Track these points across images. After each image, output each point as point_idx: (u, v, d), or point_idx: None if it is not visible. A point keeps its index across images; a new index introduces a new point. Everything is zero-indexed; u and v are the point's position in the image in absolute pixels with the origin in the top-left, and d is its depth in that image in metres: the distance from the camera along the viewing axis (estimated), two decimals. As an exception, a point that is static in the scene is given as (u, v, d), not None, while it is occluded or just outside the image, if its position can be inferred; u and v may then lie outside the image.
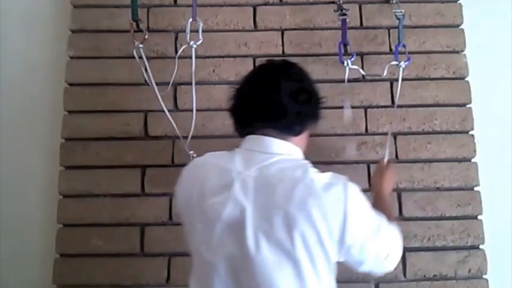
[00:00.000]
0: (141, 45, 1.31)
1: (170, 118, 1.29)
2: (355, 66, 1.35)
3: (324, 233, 0.85)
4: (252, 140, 0.96)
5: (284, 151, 0.94)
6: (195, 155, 1.25)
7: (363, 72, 1.38)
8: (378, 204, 1.07)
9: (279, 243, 0.84)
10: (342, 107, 1.35)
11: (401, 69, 1.33)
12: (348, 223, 0.86)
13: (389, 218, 0.99)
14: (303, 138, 0.99)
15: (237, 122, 1.00)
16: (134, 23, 1.34)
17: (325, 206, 0.85)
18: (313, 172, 0.90)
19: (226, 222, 0.87)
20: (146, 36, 1.33)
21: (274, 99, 0.93)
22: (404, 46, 1.36)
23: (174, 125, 1.29)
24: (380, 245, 0.93)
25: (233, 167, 0.91)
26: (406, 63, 1.34)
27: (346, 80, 1.35)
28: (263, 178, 0.89)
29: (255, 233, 0.86)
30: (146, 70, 1.30)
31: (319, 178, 0.88)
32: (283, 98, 0.93)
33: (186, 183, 0.98)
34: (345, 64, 1.34)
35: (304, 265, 0.85)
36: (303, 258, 0.85)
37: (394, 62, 1.34)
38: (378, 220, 0.94)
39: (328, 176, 0.90)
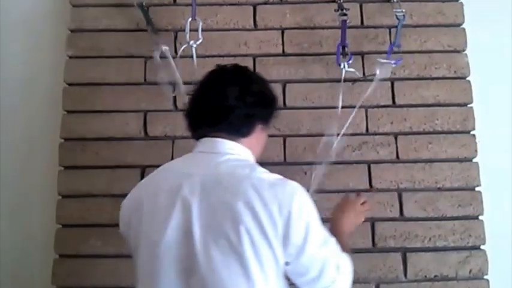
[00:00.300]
0: (166, 48, 1.34)
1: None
2: (351, 69, 1.35)
3: (268, 229, 0.84)
4: (203, 142, 0.98)
5: (233, 151, 0.96)
6: None
7: (358, 75, 1.37)
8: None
9: (226, 240, 0.84)
10: (341, 107, 1.35)
11: (390, 68, 1.34)
12: (293, 219, 0.85)
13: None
14: (254, 139, 1.00)
15: (190, 125, 1.02)
16: (150, 28, 1.38)
17: (270, 201, 0.85)
18: (261, 171, 0.92)
19: (175, 225, 0.88)
20: (169, 38, 1.39)
21: (221, 103, 0.96)
22: (398, 46, 1.36)
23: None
24: (327, 258, 0.90)
25: (183, 170, 0.94)
26: (399, 62, 1.35)
27: (342, 81, 1.35)
28: (211, 177, 0.90)
29: (202, 232, 0.86)
30: (145, 69, 1.30)
31: (267, 177, 0.90)
32: (229, 101, 0.96)
33: (137, 191, 1.00)
34: (342, 66, 1.34)
35: (251, 264, 0.84)
36: (250, 255, 0.84)
37: (385, 60, 1.34)
38: (326, 234, 0.92)
39: (276, 176, 0.91)
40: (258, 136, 1.02)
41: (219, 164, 0.93)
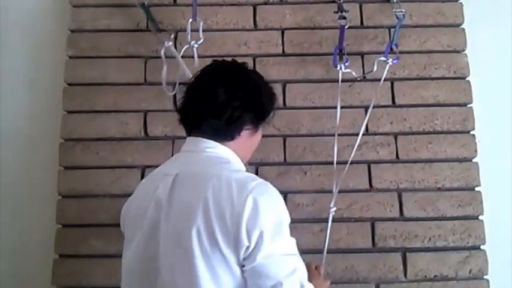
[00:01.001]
0: (170, 43, 1.34)
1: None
2: (348, 70, 1.35)
3: (219, 231, 0.80)
4: (188, 141, 0.98)
5: (213, 150, 0.94)
6: None
7: (355, 75, 1.37)
8: None
9: (182, 243, 0.82)
10: (341, 107, 1.35)
11: (387, 66, 1.34)
12: (244, 220, 0.80)
13: None
14: (240, 142, 0.97)
15: (180, 122, 1.00)
16: (154, 26, 1.38)
17: (225, 202, 0.81)
18: (233, 171, 0.89)
19: (148, 225, 0.88)
20: (172, 36, 1.38)
21: (206, 105, 0.94)
22: (396, 45, 1.36)
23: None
24: (289, 267, 0.83)
25: (164, 170, 0.94)
26: (395, 61, 1.35)
27: (339, 82, 1.35)
28: (183, 175, 0.88)
29: (167, 234, 0.85)
30: (145, 69, 1.30)
31: (235, 176, 0.86)
32: (214, 104, 0.93)
33: (133, 194, 1.01)
34: (339, 68, 1.34)
35: (200, 270, 0.80)
36: (199, 261, 0.80)
37: (382, 58, 1.35)
38: (292, 242, 0.87)
39: (245, 175, 0.88)
40: (246, 139, 0.98)
41: (194, 163, 0.92)
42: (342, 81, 1.36)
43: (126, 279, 0.93)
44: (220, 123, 0.93)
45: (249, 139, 0.99)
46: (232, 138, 0.95)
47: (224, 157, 0.94)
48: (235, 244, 0.81)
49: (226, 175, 0.86)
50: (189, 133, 0.98)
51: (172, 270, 0.84)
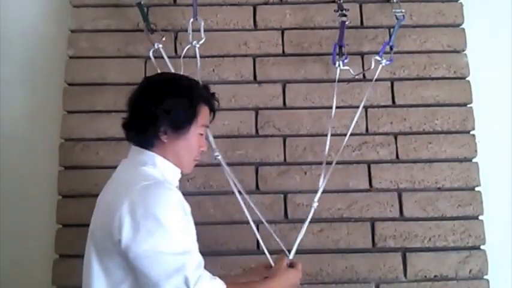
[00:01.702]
0: (160, 46, 1.34)
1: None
2: (346, 67, 1.35)
3: (107, 235, 0.88)
4: (130, 149, 1.04)
5: (141, 158, 0.99)
6: (219, 157, 1.25)
7: (353, 73, 1.37)
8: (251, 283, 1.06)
9: (90, 242, 0.94)
10: (341, 107, 1.35)
11: (380, 66, 1.35)
12: (124, 221, 0.86)
13: None
14: (168, 148, 0.99)
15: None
16: (146, 26, 1.37)
17: (112, 207, 0.89)
18: (137, 175, 0.93)
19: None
20: (164, 38, 1.37)
21: (127, 117, 1.02)
22: (391, 47, 1.36)
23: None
24: (171, 265, 0.85)
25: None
26: (388, 62, 1.35)
27: (336, 80, 1.35)
28: (109, 182, 1.00)
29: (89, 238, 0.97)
30: (145, 69, 1.30)
31: (133, 181, 0.91)
32: (129, 116, 1.01)
33: None
34: (337, 65, 1.34)
35: (94, 266, 0.91)
36: (93, 257, 0.92)
37: (377, 57, 1.35)
38: (179, 241, 0.88)
39: (140, 180, 0.91)
40: (174, 144, 0.99)
41: (118, 170, 1.01)
42: (340, 81, 1.36)
43: None
44: (135, 135, 1.01)
45: (177, 142, 0.99)
46: (153, 146, 0.99)
47: (146, 162, 0.98)
48: (111, 239, 0.87)
49: (126, 180, 0.94)
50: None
51: (90, 276, 0.94)
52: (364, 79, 1.42)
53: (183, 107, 0.99)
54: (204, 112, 1.03)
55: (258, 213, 1.23)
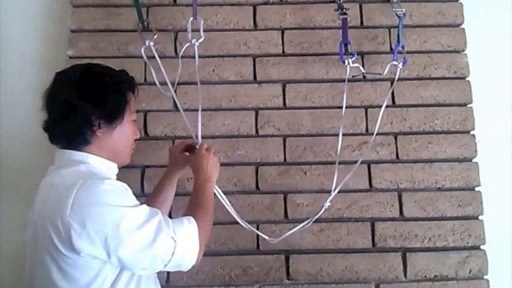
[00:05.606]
0: (152, 43, 1.32)
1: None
2: (356, 65, 1.35)
3: (53, 234, 0.87)
4: (56, 154, 1.01)
5: (71, 159, 0.96)
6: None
7: (363, 71, 1.37)
8: (193, 195, 1.08)
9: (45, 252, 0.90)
10: (340, 107, 1.35)
11: (399, 69, 1.35)
12: (70, 218, 0.85)
13: (196, 212, 1.00)
14: (104, 140, 0.98)
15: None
16: (140, 24, 1.36)
17: (54, 208, 0.88)
18: (75, 176, 0.91)
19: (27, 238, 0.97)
20: (155, 36, 1.36)
21: (49, 116, 0.99)
22: (403, 47, 1.36)
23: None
24: (131, 240, 0.87)
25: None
26: (403, 64, 1.36)
27: (346, 80, 1.35)
28: (42, 187, 0.95)
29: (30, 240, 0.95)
30: (145, 69, 1.30)
31: (66, 182, 0.90)
32: (52, 115, 0.98)
33: None
34: (346, 63, 1.34)
35: (48, 264, 0.89)
36: (45, 256, 0.89)
37: (394, 62, 1.35)
38: (131, 223, 0.88)
39: (73, 178, 0.90)
40: (109, 136, 0.98)
41: (52, 174, 0.95)
42: (349, 81, 1.36)
43: None
44: (62, 134, 0.97)
45: (109, 137, 0.98)
46: (86, 144, 0.96)
47: (81, 163, 0.95)
48: (69, 245, 0.87)
49: (63, 176, 0.92)
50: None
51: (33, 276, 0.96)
52: (365, 79, 1.42)
53: (113, 95, 0.97)
54: (132, 97, 1.03)
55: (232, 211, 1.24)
